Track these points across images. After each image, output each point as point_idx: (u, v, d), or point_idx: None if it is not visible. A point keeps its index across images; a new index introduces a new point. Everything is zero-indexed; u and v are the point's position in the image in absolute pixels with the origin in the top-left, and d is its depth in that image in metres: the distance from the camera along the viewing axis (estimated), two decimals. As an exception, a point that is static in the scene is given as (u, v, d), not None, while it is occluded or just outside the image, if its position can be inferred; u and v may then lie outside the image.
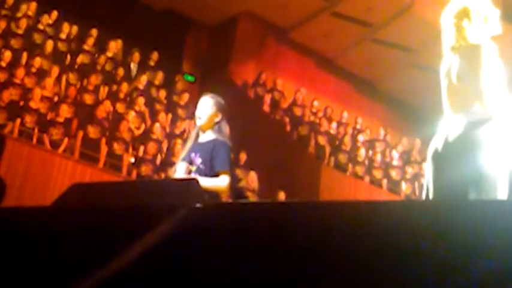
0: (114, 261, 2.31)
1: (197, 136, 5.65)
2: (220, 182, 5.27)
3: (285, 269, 1.99)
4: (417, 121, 17.45)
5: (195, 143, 5.60)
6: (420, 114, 17.44)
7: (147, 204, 2.78)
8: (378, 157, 16.31)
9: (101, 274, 2.28)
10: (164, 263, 2.20)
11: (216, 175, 5.30)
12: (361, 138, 16.94)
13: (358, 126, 17.76)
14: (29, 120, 12.05)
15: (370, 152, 16.54)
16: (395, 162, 16.57)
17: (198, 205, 2.40)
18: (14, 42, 13.89)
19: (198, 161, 5.37)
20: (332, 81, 19.08)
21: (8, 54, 13.11)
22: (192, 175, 5.28)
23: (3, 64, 12.94)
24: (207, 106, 5.60)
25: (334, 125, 16.83)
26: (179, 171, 5.37)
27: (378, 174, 15.83)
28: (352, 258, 1.92)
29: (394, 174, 16.11)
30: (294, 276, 1.96)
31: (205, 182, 5.06)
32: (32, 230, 2.64)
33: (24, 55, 13.73)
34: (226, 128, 5.63)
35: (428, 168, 4.28)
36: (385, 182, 15.79)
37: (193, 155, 5.43)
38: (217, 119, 5.56)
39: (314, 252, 1.98)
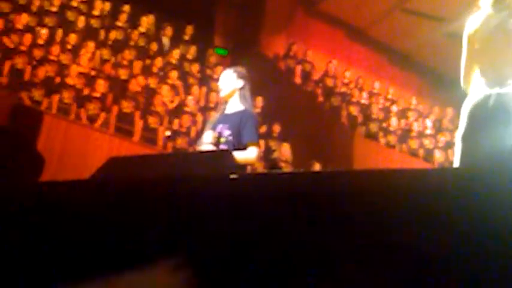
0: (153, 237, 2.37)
1: (224, 108, 5.73)
2: (249, 154, 5.30)
3: (321, 239, 1.98)
4: (449, 90, 17.37)
5: (222, 114, 5.68)
6: (452, 82, 17.32)
7: (183, 176, 2.74)
8: (415, 126, 16.33)
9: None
10: (200, 236, 2.19)
11: (244, 147, 5.34)
12: (394, 108, 16.97)
13: (389, 96, 17.75)
14: (66, 96, 12.19)
15: (403, 122, 16.56)
16: (428, 131, 16.58)
17: (232, 176, 2.39)
18: (49, 20, 14.06)
19: (226, 132, 5.40)
20: (363, 52, 19.01)
21: (44, 32, 13.29)
22: (221, 147, 5.33)
23: (41, 42, 13.13)
24: (227, 76, 5.72)
25: (365, 95, 16.84)
26: (206, 139, 5.39)
27: (413, 143, 15.86)
28: (387, 226, 1.92)
29: (427, 142, 16.12)
30: (329, 246, 1.96)
31: (235, 155, 5.13)
32: (71, 203, 2.62)
33: (59, 32, 13.88)
34: (249, 96, 5.73)
35: (463, 135, 4.21)
36: (421, 151, 15.81)
37: (220, 126, 5.47)
38: (239, 86, 5.66)
39: (351, 221, 1.98)
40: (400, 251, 1.88)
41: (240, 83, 5.68)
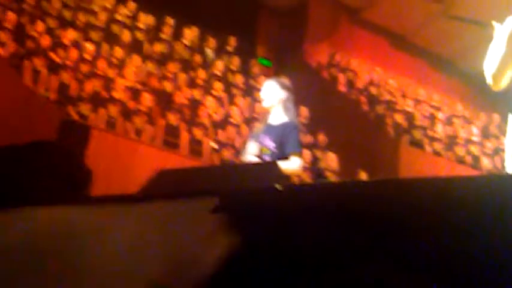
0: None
1: (267, 119, 5.73)
2: (292, 164, 5.33)
3: (369, 248, 1.96)
4: (495, 95, 17.16)
5: (265, 125, 5.68)
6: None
7: (230, 188, 2.73)
8: (461, 133, 16.20)
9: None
10: (252, 248, 2.18)
11: (287, 158, 5.34)
12: (439, 115, 16.86)
13: (434, 103, 17.65)
14: (112, 110, 12.27)
15: (449, 129, 16.44)
16: (475, 138, 16.42)
17: (278, 187, 2.34)
18: (94, 35, 14.22)
19: (270, 144, 5.42)
20: (407, 59, 18.93)
21: (91, 47, 13.46)
22: (265, 158, 5.36)
23: (87, 56, 13.28)
24: (270, 87, 5.72)
25: (410, 102, 16.76)
26: (251, 151, 5.44)
27: (459, 150, 15.72)
28: (437, 234, 1.89)
29: (474, 149, 15.96)
30: (378, 255, 1.94)
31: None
32: (123, 217, 2.55)
33: (105, 46, 14.04)
34: (292, 107, 5.74)
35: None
36: (468, 158, 15.66)
37: (264, 137, 5.49)
38: (281, 97, 5.66)
39: (399, 230, 1.95)
40: (452, 259, 1.85)
41: (283, 93, 5.68)
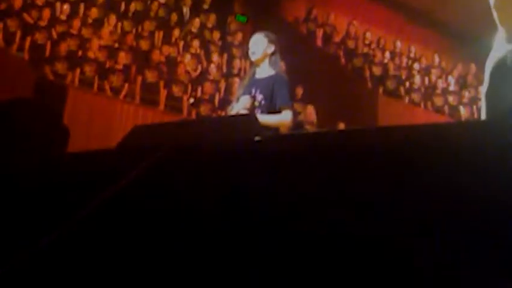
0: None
1: (254, 73, 5.74)
2: (284, 117, 5.34)
3: (346, 195, 1.93)
4: (471, 46, 17.27)
5: (252, 79, 5.68)
6: (474, 39, 17.20)
7: (208, 142, 2.72)
8: (439, 84, 16.34)
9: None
10: (229, 198, 2.17)
11: (278, 111, 5.36)
12: (417, 66, 16.95)
13: (411, 55, 17.73)
14: (88, 69, 12.25)
15: (426, 80, 16.56)
16: (451, 88, 16.56)
17: (256, 138, 2.35)
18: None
19: (260, 97, 5.43)
20: (383, 12, 18.89)
21: (66, 7, 13.38)
22: (256, 111, 5.37)
23: (63, 17, 13.21)
24: (258, 40, 5.70)
25: (387, 55, 16.81)
26: (242, 104, 5.43)
27: (438, 101, 15.88)
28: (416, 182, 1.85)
29: (451, 99, 16.11)
30: (361, 205, 1.90)
31: (270, 118, 5.22)
32: (96, 173, 2.64)
33: (81, 6, 13.96)
34: (280, 61, 5.75)
35: (486, 92, 4.18)
36: (446, 108, 15.81)
37: (253, 90, 5.51)
38: (270, 51, 5.64)
39: (382, 178, 1.92)
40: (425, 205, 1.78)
41: (271, 47, 5.68)
